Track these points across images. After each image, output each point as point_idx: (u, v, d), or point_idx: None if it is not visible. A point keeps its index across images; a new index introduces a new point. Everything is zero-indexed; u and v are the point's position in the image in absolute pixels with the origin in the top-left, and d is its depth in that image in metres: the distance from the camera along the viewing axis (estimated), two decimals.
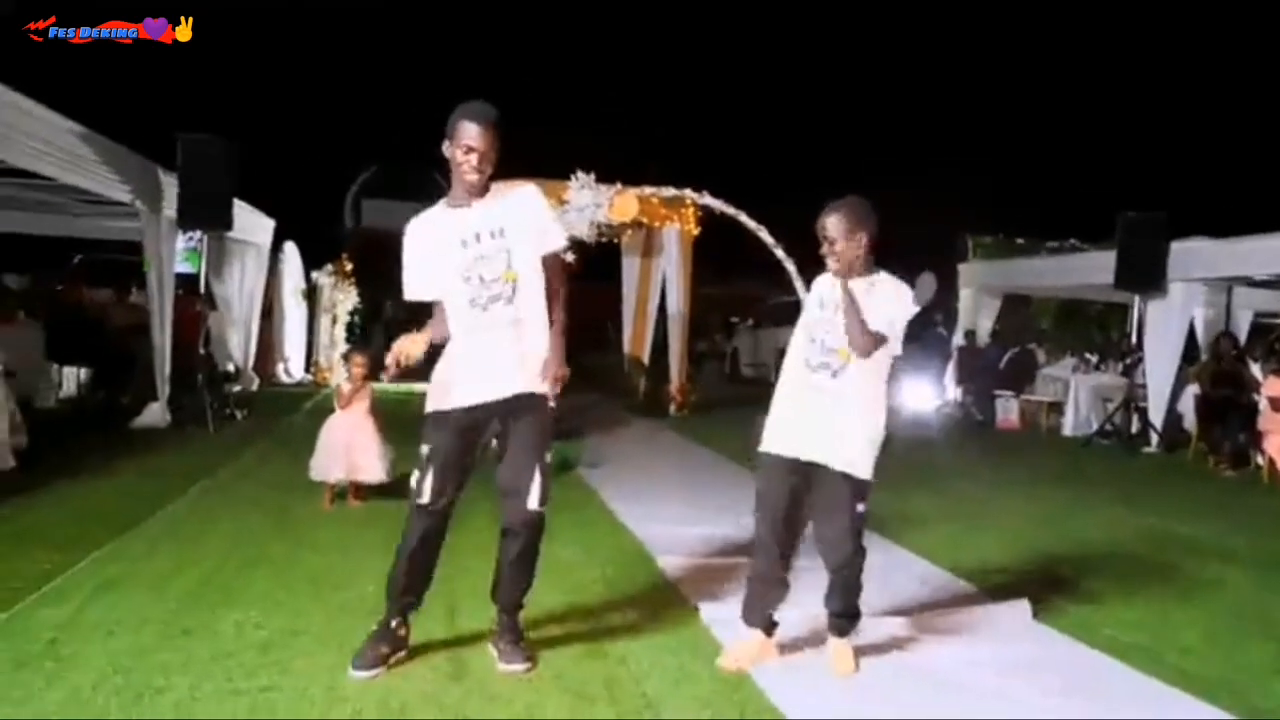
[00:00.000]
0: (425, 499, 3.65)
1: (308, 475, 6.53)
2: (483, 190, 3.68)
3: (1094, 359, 14.34)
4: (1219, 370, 10.90)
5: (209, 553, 5.20)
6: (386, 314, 16.97)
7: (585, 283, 12.27)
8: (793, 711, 3.45)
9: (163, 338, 9.89)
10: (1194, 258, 11.13)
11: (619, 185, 9.10)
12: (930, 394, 15.33)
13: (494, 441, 3.90)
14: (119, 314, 12.15)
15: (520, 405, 3.69)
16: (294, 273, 16.24)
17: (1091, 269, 12.79)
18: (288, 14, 20.64)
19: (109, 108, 10.16)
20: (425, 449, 3.69)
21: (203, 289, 11.42)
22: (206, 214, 9.77)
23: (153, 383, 9.88)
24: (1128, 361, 12.41)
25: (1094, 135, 24.16)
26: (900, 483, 7.99)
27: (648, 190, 9.92)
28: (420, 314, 3.88)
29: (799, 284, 10.27)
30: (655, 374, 14.67)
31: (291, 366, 16.25)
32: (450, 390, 3.67)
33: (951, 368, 15.70)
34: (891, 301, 3.83)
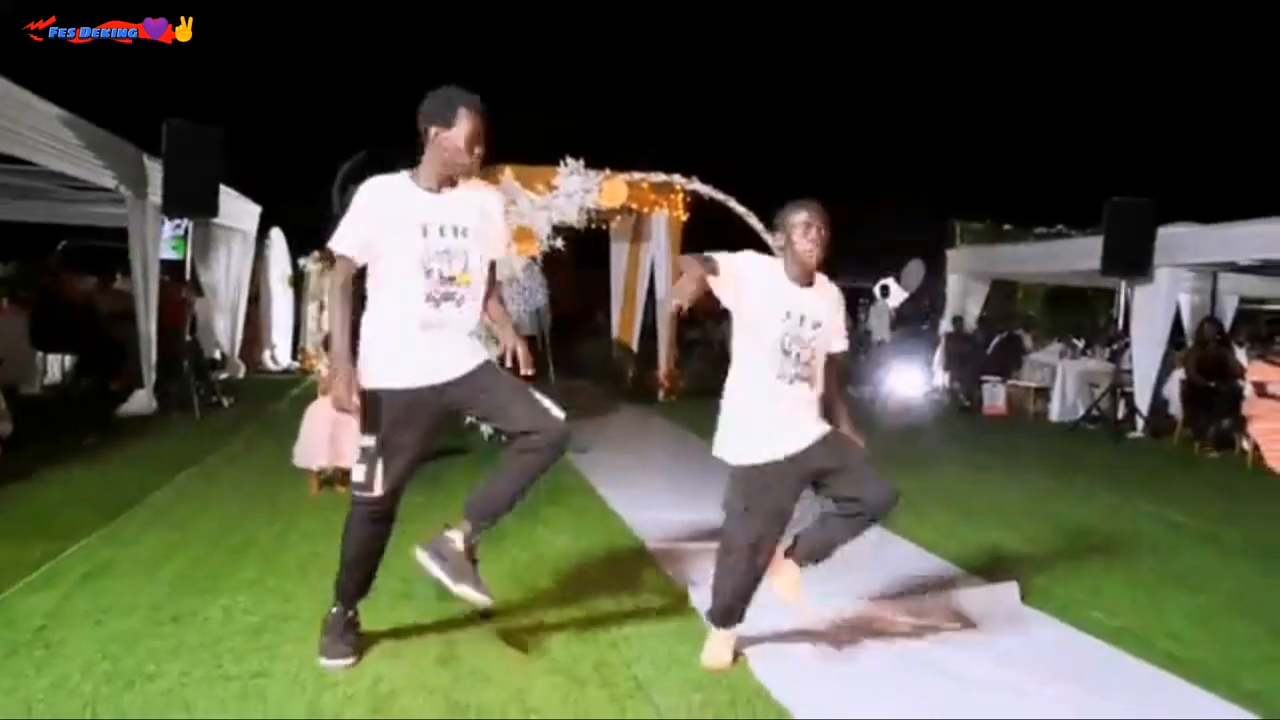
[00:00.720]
0: (378, 490, 3.55)
1: (290, 459, 6.53)
2: (452, 180, 3.61)
3: (1080, 344, 14.40)
4: (1204, 356, 10.95)
5: (197, 539, 5.19)
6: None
7: (574, 269, 12.26)
8: (782, 692, 3.46)
9: (148, 324, 9.83)
10: (1180, 243, 11.17)
11: (608, 171, 9.07)
12: (918, 380, 15.37)
13: (467, 419, 3.86)
14: (104, 300, 12.07)
15: (473, 374, 3.57)
16: (280, 259, 16.17)
17: (1078, 254, 12.82)
18: (271, 1, 20.54)
19: (94, 93, 10.07)
20: (370, 441, 3.57)
21: (189, 275, 11.35)
22: (192, 200, 9.70)
23: (139, 370, 9.83)
24: (1114, 347, 12.46)
25: (1081, 122, 24.22)
26: (888, 468, 7.98)
27: (637, 176, 9.90)
28: None
29: None
30: (643, 360, 14.67)
31: (278, 353, 16.19)
32: (393, 371, 3.55)
33: (939, 354, 15.74)
34: (841, 306, 3.87)
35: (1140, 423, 11.36)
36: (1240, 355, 10.87)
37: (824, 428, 3.72)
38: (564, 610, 4.24)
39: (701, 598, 4.35)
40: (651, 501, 6.51)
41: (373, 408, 3.59)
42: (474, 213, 3.61)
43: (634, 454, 8.82)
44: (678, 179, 10.43)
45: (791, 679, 3.59)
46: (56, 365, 11.74)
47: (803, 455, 3.63)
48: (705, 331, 16.17)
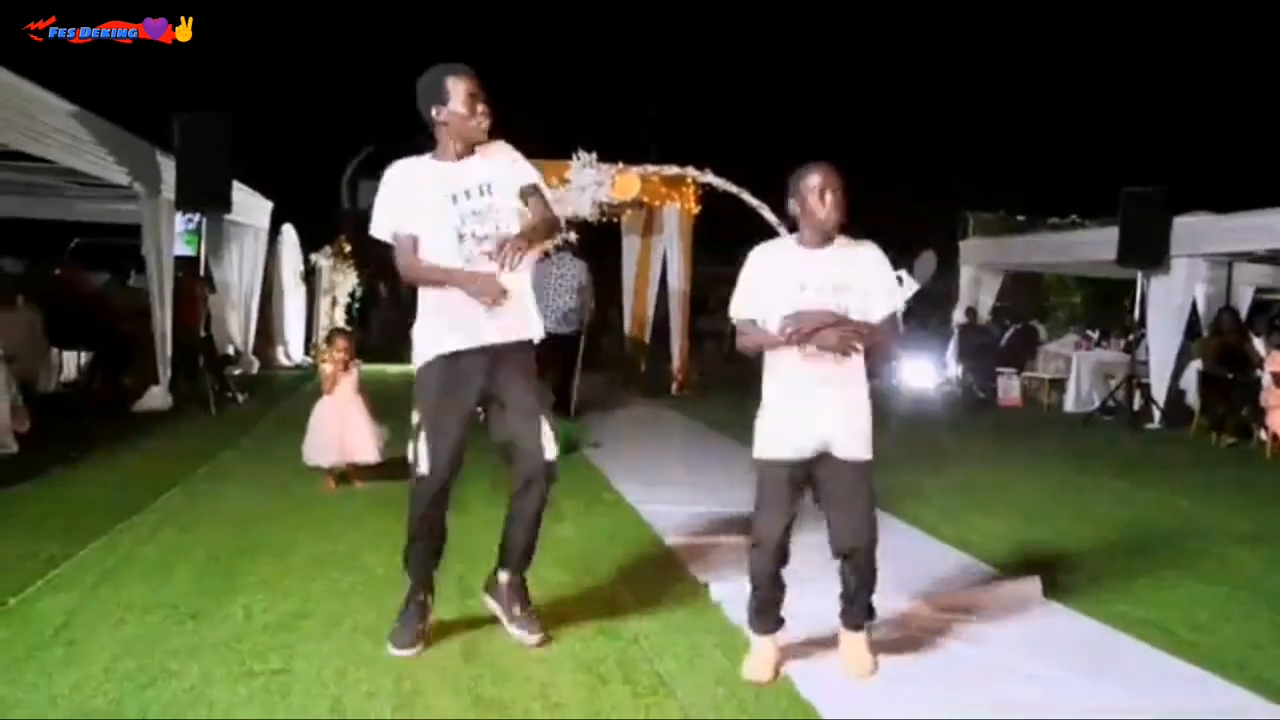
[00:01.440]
0: (424, 468, 3.62)
1: (304, 459, 6.53)
2: (471, 149, 3.67)
3: (1095, 335, 14.32)
4: (1222, 346, 10.88)
5: (214, 536, 5.18)
6: (383, 295, 16.92)
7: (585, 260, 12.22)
8: (807, 687, 3.44)
9: (164, 320, 9.84)
10: (1196, 233, 11.09)
11: (620, 164, 9.05)
12: (931, 372, 15.32)
13: (480, 414, 3.88)
14: (118, 298, 12.09)
15: (507, 357, 3.66)
16: (292, 255, 16.17)
17: (1093, 245, 12.76)
18: None
19: (105, 89, 10.07)
20: (415, 417, 3.67)
21: (202, 271, 11.37)
22: (205, 196, 9.71)
23: (154, 366, 9.85)
24: (1130, 338, 12.39)
25: (1094, 111, 24.09)
26: (904, 461, 8.01)
27: (649, 169, 9.88)
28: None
29: None
30: (656, 353, 14.65)
31: (291, 349, 16.21)
32: (436, 340, 3.64)
33: (952, 345, 15.68)
34: (889, 271, 3.65)
35: (1157, 414, 11.30)
36: (1258, 345, 10.80)
37: (855, 450, 3.52)
38: (585, 606, 4.22)
39: (722, 592, 4.34)
40: (668, 495, 6.49)
41: (419, 382, 3.69)
42: (494, 169, 3.67)
43: (649, 448, 8.80)
44: (690, 172, 10.44)
45: (816, 674, 3.57)
46: (72, 362, 11.77)
47: (814, 464, 3.51)
48: (716, 323, 16.14)
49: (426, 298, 3.70)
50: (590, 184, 8.66)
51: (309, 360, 15.92)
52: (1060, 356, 13.97)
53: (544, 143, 9.46)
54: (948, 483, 7.47)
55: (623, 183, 8.96)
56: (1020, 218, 16.91)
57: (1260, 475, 8.65)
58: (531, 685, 3.39)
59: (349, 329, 6.80)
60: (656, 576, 4.72)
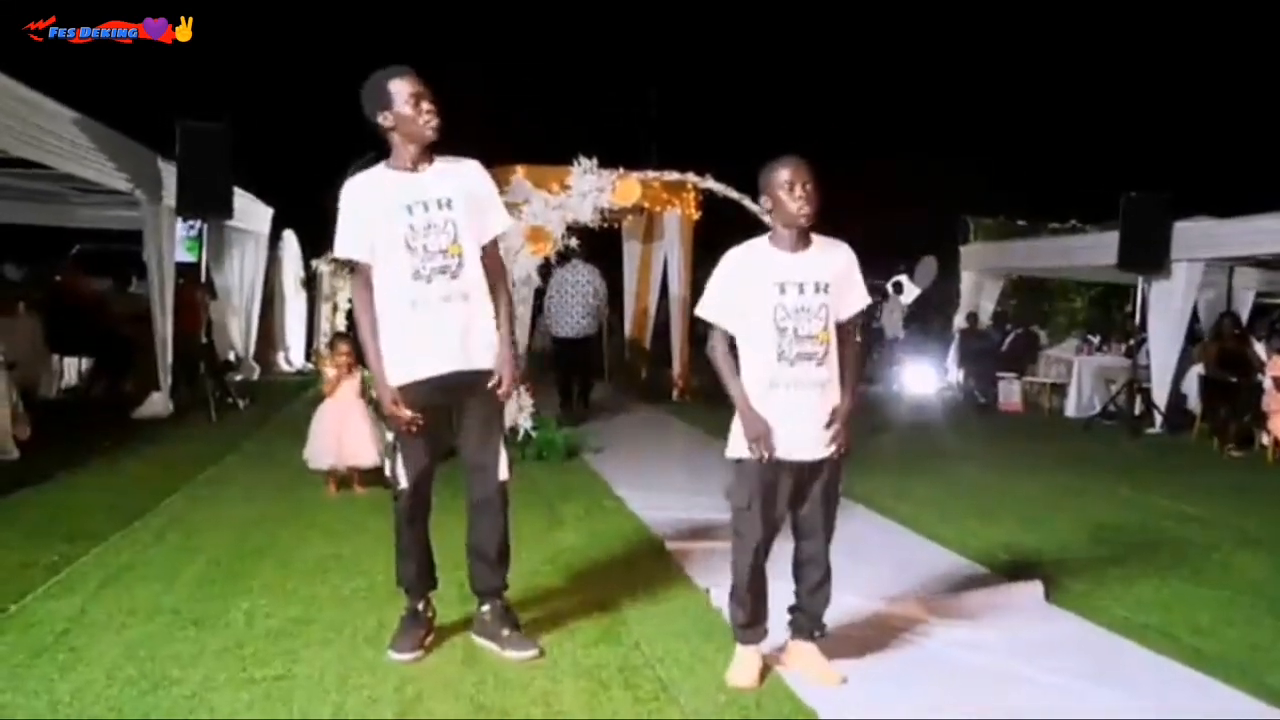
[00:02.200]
0: (404, 483, 3.63)
1: (305, 460, 6.56)
2: (429, 157, 3.59)
3: (1096, 340, 14.33)
4: (1223, 350, 10.88)
5: (216, 542, 5.19)
6: None
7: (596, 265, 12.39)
8: (808, 692, 3.44)
9: (165, 327, 9.85)
10: (1197, 238, 11.10)
11: (621, 170, 9.05)
12: (932, 377, 15.33)
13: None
14: (119, 303, 12.10)
15: (473, 382, 3.60)
16: (293, 261, 16.19)
17: (1094, 250, 12.76)
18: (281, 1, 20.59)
19: (106, 96, 10.09)
20: (390, 435, 3.69)
21: (203, 277, 11.38)
22: (206, 202, 9.72)
23: (155, 372, 9.85)
24: (1131, 342, 12.39)
25: (1094, 116, 24.10)
26: (905, 466, 8.02)
27: (650, 174, 9.87)
28: None
29: None
30: (656, 359, 14.65)
31: (292, 355, 16.21)
32: (399, 365, 3.55)
33: (953, 350, 15.69)
34: (855, 265, 3.60)
35: (1158, 419, 11.29)
36: (1259, 350, 10.79)
37: (831, 449, 3.50)
38: (585, 611, 4.22)
39: (722, 597, 4.33)
40: (669, 501, 6.49)
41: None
42: (456, 183, 3.60)
43: (649, 453, 8.80)
44: (691, 177, 10.41)
45: None
46: (73, 368, 11.77)
47: (798, 466, 3.47)
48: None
49: (385, 315, 3.58)
50: (591, 190, 8.64)
51: (310, 366, 15.93)
52: (1061, 361, 13.97)
53: (544, 147, 9.52)
54: (948, 487, 7.47)
55: (623, 188, 8.94)
56: (1021, 222, 16.90)
57: (1262, 480, 8.65)
58: (533, 691, 3.39)
59: (351, 334, 6.83)
60: (658, 582, 4.72)
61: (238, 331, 13.94)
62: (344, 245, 3.60)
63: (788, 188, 3.44)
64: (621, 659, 3.70)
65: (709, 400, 12.66)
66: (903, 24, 24.87)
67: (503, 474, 3.69)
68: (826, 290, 3.45)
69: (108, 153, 8.64)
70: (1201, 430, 10.81)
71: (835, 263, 3.53)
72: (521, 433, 8.06)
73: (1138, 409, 11.43)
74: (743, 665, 3.55)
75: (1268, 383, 9.58)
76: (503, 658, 3.64)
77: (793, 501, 3.53)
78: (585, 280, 10.82)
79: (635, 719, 3.24)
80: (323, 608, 4.17)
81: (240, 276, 13.81)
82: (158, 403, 9.74)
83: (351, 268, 3.73)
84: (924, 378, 15.27)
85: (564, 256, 9.90)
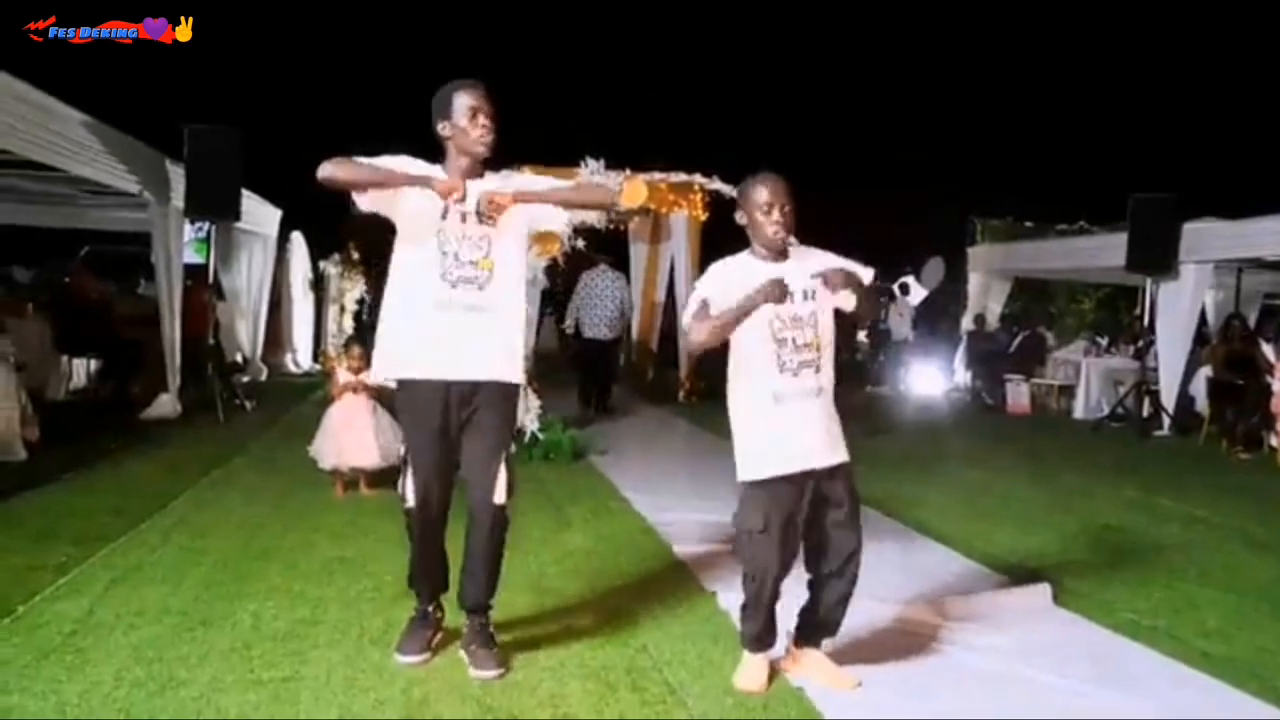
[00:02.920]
0: (410, 502, 3.59)
1: (311, 460, 6.59)
2: (480, 171, 3.60)
3: (1104, 342, 14.29)
4: (1231, 352, 10.85)
5: (224, 543, 5.19)
6: None
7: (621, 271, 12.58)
8: (816, 694, 3.44)
9: (173, 329, 9.87)
10: (1205, 239, 11.07)
11: (628, 171, 9.05)
12: (940, 378, 15.30)
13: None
14: (127, 306, 12.12)
15: (487, 395, 3.56)
16: (301, 263, 16.21)
17: (1101, 251, 12.73)
18: (289, 2, 20.63)
19: (114, 98, 10.11)
20: (403, 448, 3.67)
21: (211, 280, 11.39)
22: (215, 204, 9.75)
23: (163, 374, 9.87)
24: (1139, 344, 12.36)
25: (1102, 117, 24.05)
26: (912, 468, 8.01)
27: (656, 176, 9.88)
28: None
29: None
30: (663, 361, 14.64)
31: (299, 356, 16.24)
32: (412, 360, 3.55)
33: (960, 352, 15.66)
34: (834, 257, 3.58)
35: (1166, 421, 11.26)
36: (1267, 351, 10.76)
37: (841, 455, 3.51)
38: (593, 614, 4.22)
39: (729, 600, 4.33)
40: (675, 504, 6.48)
41: (399, 406, 3.67)
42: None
43: (656, 456, 8.80)
44: (698, 179, 10.44)
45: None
46: (81, 370, 11.80)
47: (816, 475, 3.45)
48: None
49: (393, 299, 3.58)
50: None
51: (317, 367, 15.95)
52: (1069, 363, 13.94)
53: (551, 149, 9.51)
54: (956, 489, 7.46)
55: (630, 190, 8.91)
56: (1029, 224, 16.87)
57: (1270, 482, 8.62)
58: (540, 694, 3.39)
59: (361, 337, 6.89)
60: (664, 585, 4.72)
61: (245, 333, 13.96)
62: (370, 200, 3.55)
63: (765, 209, 3.46)
64: (629, 661, 3.70)
65: (715, 402, 12.69)
66: (912, 24, 24.85)
67: (499, 497, 3.58)
68: (814, 296, 3.47)
69: (116, 155, 8.65)
70: (1210, 432, 10.79)
71: (815, 267, 3.51)
72: (528, 434, 8.07)
73: (1146, 411, 11.40)
74: (750, 669, 3.55)
75: (1276, 385, 9.55)
76: (468, 673, 3.55)
77: (819, 513, 3.49)
78: (613, 286, 11.47)
79: None
80: (330, 609, 4.18)
81: (248, 278, 13.83)
82: (165, 404, 9.75)
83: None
84: (931, 379, 15.25)
85: (589, 260, 10.30)
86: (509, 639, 3.79)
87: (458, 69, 3.67)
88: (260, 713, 3.19)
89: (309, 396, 11.86)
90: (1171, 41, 22.28)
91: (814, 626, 3.62)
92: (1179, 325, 11.38)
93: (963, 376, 15.40)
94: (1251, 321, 12.52)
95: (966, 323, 15.75)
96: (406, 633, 3.69)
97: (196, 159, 9.40)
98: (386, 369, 3.63)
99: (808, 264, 3.52)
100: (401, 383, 3.61)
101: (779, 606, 3.56)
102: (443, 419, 3.54)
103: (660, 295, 15.03)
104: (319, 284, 16.42)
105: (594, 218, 8.75)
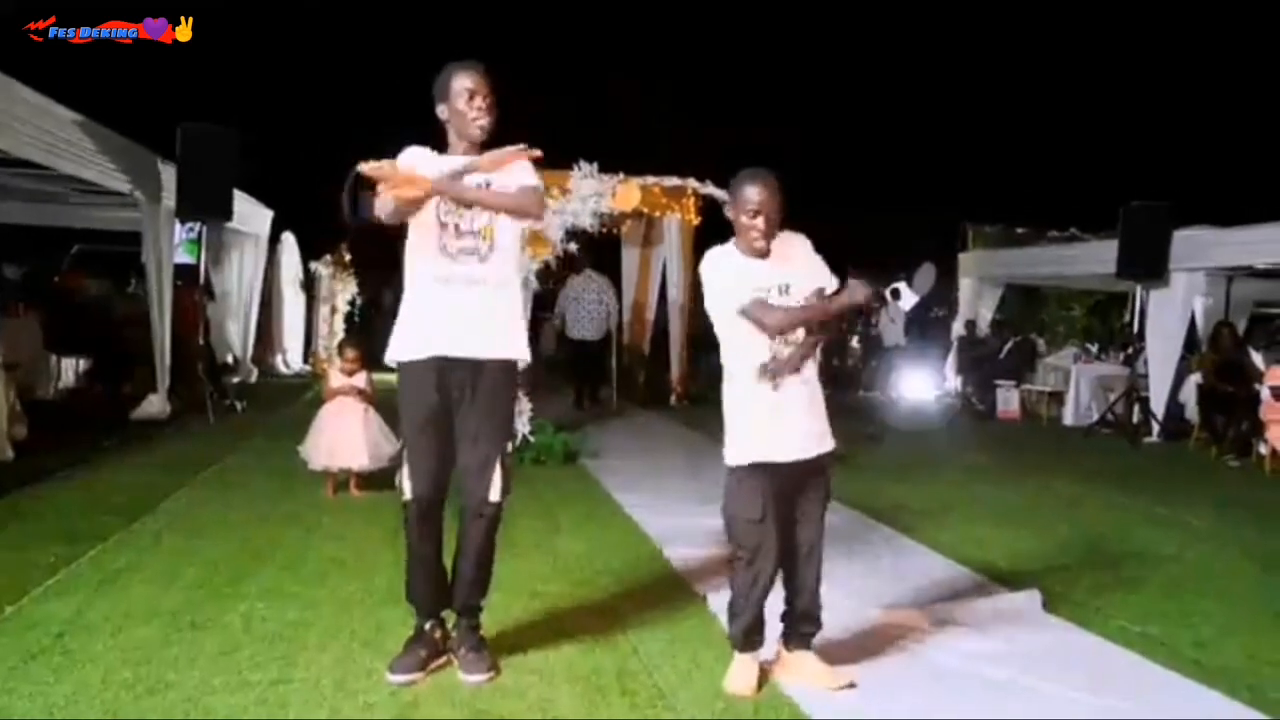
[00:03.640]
0: (408, 493, 3.54)
1: (302, 461, 6.56)
2: (479, 152, 3.57)
3: (1094, 348, 14.33)
4: (1221, 360, 10.88)
5: (213, 545, 5.17)
6: (386, 303, 16.93)
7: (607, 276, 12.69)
8: (806, 702, 3.43)
9: (163, 328, 9.84)
10: (1196, 247, 11.10)
11: (621, 175, 9.04)
12: (930, 384, 15.33)
13: None
14: (118, 305, 12.08)
15: (489, 378, 3.52)
16: (292, 263, 16.19)
17: (1092, 258, 12.77)
18: (282, 3, 20.58)
19: (106, 96, 10.09)
20: (396, 446, 3.63)
21: (202, 280, 11.36)
22: (206, 204, 9.70)
23: (152, 374, 9.84)
24: (1129, 351, 12.39)
25: (1095, 124, 24.12)
26: (902, 474, 8.01)
27: (650, 179, 9.86)
28: None
29: None
30: (655, 364, 14.64)
31: (290, 357, 16.21)
32: (414, 338, 3.52)
33: (951, 357, 15.69)
34: (812, 251, 3.65)
35: (1156, 427, 11.29)
36: (1257, 359, 10.79)
37: (825, 444, 3.56)
38: (583, 617, 4.22)
39: (720, 604, 4.32)
40: (667, 507, 6.48)
41: (399, 397, 3.60)
42: (499, 178, 3.56)
43: (648, 459, 8.80)
44: (691, 183, 10.43)
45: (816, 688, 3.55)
46: (71, 369, 11.75)
47: (799, 467, 3.50)
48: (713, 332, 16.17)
49: (411, 289, 3.57)
50: (591, 194, 8.63)
51: (308, 368, 15.92)
52: (1059, 369, 13.97)
53: (544, 151, 9.50)
54: (945, 495, 7.47)
55: (623, 193, 8.93)
56: (1020, 230, 16.91)
57: (1260, 490, 8.65)
58: (530, 698, 3.38)
59: (354, 338, 6.88)
60: (655, 588, 4.72)
61: (236, 333, 13.93)
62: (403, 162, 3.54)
63: (750, 213, 3.49)
64: (619, 665, 3.69)
65: (707, 405, 12.70)
66: (904, 29, 24.90)
67: (494, 495, 3.54)
68: (789, 291, 3.52)
69: (108, 154, 8.63)
70: (1199, 440, 10.82)
71: (797, 259, 3.59)
72: (520, 436, 8.05)
73: (1136, 418, 11.43)
74: (740, 672, 3.54)
75: (1265, 393, 9.58)
76: (457, 677, 3.52)
77: (792, 501, 3.55)
78: (597, 289, 12.39)
79: None
80: (320, 612, 4.16)
81: (239, 278, 13.81)
82: (155, 404, 9.72)
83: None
84: (922, 385, 15.27)
85: (575, 264, 10.63)
86: (499, 642, 3.78)
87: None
88: (249, 715, 3.17)
89: (299, 397, 11.84)
90: (1164, 50, 22.37)
91: (795, 621, 3.64)
92: (1169, 332, 11.42)
93: (953, 382, 15.43)
94: (1241, 329, 12.56)
95: (957, 328, 15.77)
96: (402, 650, 3.57)
97: (189, 159, 9.36)
98: (392, 354, 3.57)
99: (789, 251, 3.58)
100: (401, 364, 3.56)
101: (765, 605, 3.58)
102: (441, 399, 3.50)
103: (653, 298, 15.02)
104: (310, 285, 16.41)
105: (587, 221, 8.74)
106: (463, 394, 3.51)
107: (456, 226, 3.49)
